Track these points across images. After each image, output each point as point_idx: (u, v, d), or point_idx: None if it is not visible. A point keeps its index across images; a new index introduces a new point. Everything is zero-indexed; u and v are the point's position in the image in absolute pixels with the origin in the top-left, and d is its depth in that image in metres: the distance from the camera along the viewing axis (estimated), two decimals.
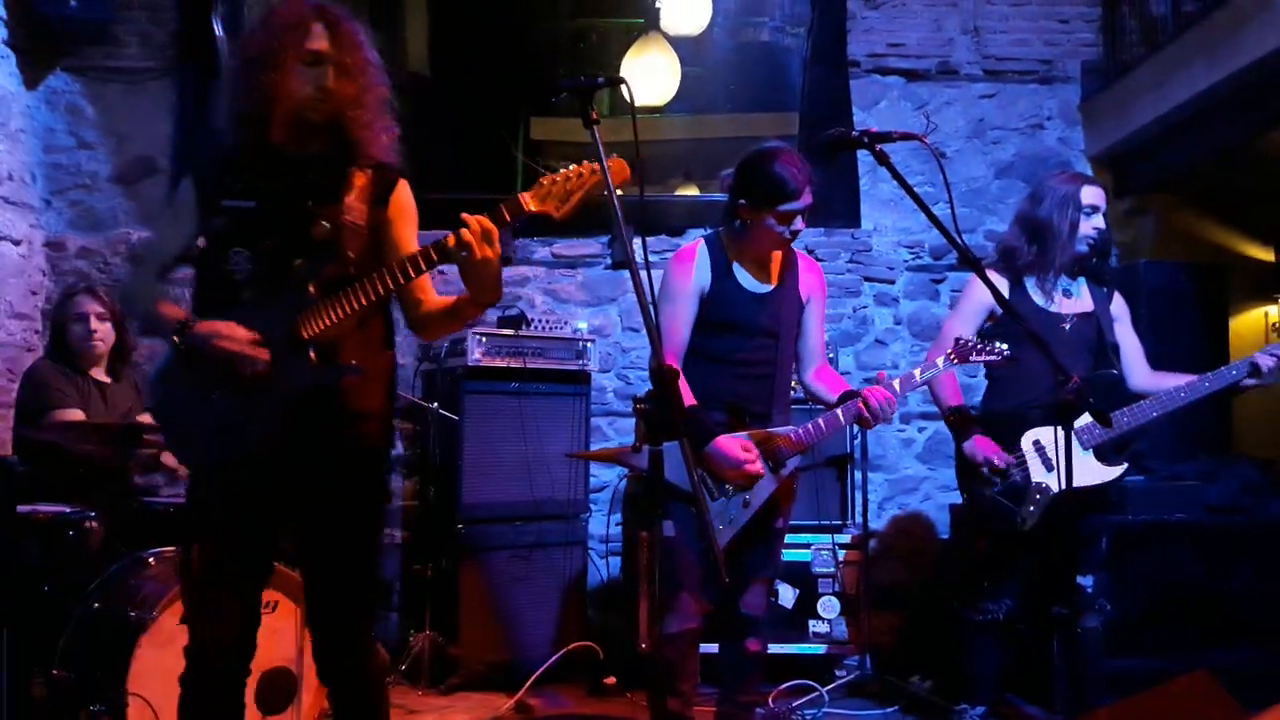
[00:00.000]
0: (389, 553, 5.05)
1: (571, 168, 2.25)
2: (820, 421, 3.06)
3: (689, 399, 2.98)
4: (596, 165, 2.20)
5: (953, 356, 3.08)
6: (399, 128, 2.44)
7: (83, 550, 3.38)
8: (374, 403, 2.41)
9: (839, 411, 3.06)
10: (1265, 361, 3.38)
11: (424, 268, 2.28)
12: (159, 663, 2.99)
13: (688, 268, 3.11)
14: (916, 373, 3.10)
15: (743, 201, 3.07)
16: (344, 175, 2.38)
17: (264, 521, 2.35)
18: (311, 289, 2.28)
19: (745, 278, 3.15)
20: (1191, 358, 3.96)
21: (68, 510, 3.40)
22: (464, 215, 2.21)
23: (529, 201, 2.24)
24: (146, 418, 3.77)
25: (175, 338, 2.25)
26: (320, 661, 2.42)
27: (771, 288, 3.16)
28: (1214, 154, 4.72)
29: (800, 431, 3.06)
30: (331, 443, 2.34)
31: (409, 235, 2.46)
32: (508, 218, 2.23)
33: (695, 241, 3.19)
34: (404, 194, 2.47)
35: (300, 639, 3.42)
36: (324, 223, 2.34)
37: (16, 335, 4.79)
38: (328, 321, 2.27)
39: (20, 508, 3.27)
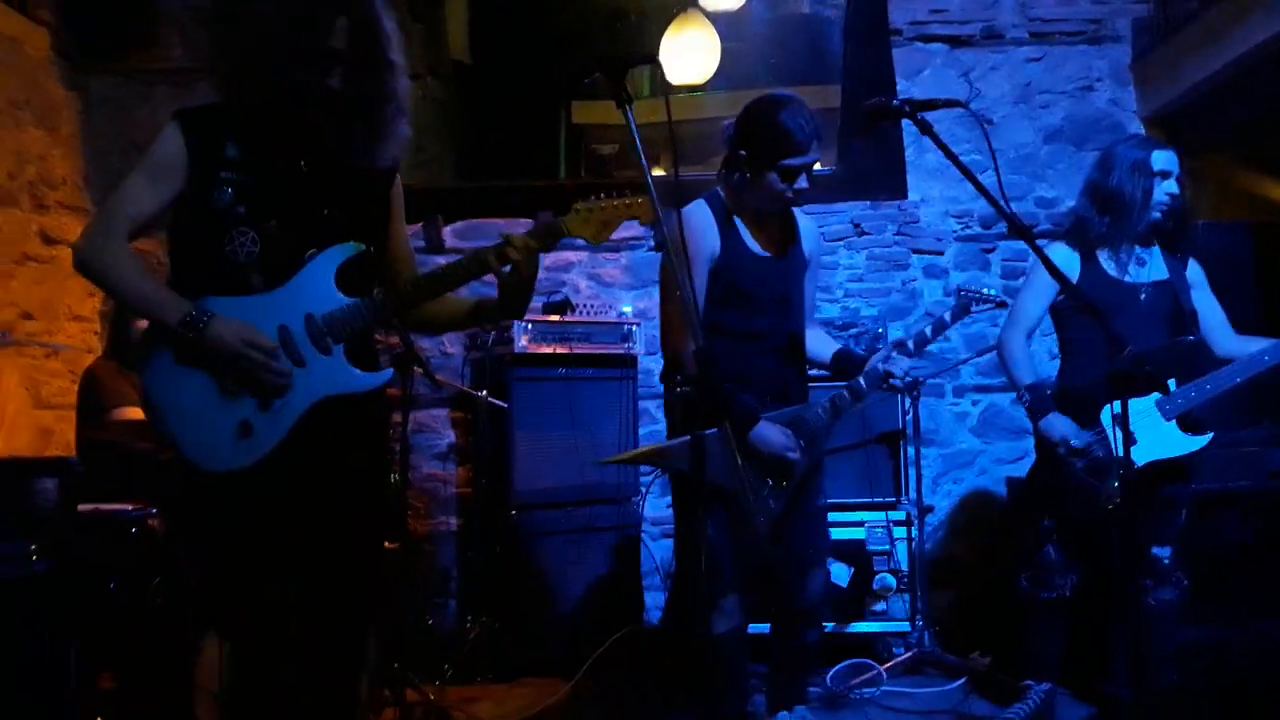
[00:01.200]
0: (445, 540, 5.10)
1: (612, 199, 2.33)
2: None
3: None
4: (636, 199, 2.33)
5: (955, 310, 3.03)
6: (409, 130, 2.34)
7: (146, 547, 3.44)
8: (381, 408, 2.40)
9: (861, 381, 2.98)
10: None
11: (464, 280, 2.29)
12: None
13: (702, 234, 2.91)
14: (927, 330, 3.03)
15: (744, 153, 2.87)
16: (348, 165, 2.32)
17: (289, 528, 2.26)
18: (335, 284, 2.24)
19: (750, 240, 2.96)
20: (1253, 321, 3.85)
21: (129, 508, 3.47)
22: (509, 236, 2.25)
23: (568, 226, 2.31)
24: (135, 412, 3.72)
25: (184, 329, 2.12)
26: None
27: (773, 248, 3.00)
28: (1273, 111, 4.57)
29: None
30: (352, 448, 2.32)
31: (402, 230, 2.45)
32: (548, 245, 2.29)
33: (696, 204, 2.98)
34: (399, 187, 2.45)
35: None
36: (340, 207, 2.28)
37: (76, 337, 4.89)
38: (362, 325, 2.25)
39: (82, 507, 3.35)
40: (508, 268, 2.26)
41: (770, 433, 2.88)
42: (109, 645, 3.24)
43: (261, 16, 2.15)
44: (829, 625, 4.09)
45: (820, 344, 3.18)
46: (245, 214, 2.19)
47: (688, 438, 2.77)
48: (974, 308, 3.02)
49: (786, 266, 3.02)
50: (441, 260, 2.42)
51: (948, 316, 3.03)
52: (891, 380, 2.98)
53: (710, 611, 2.95)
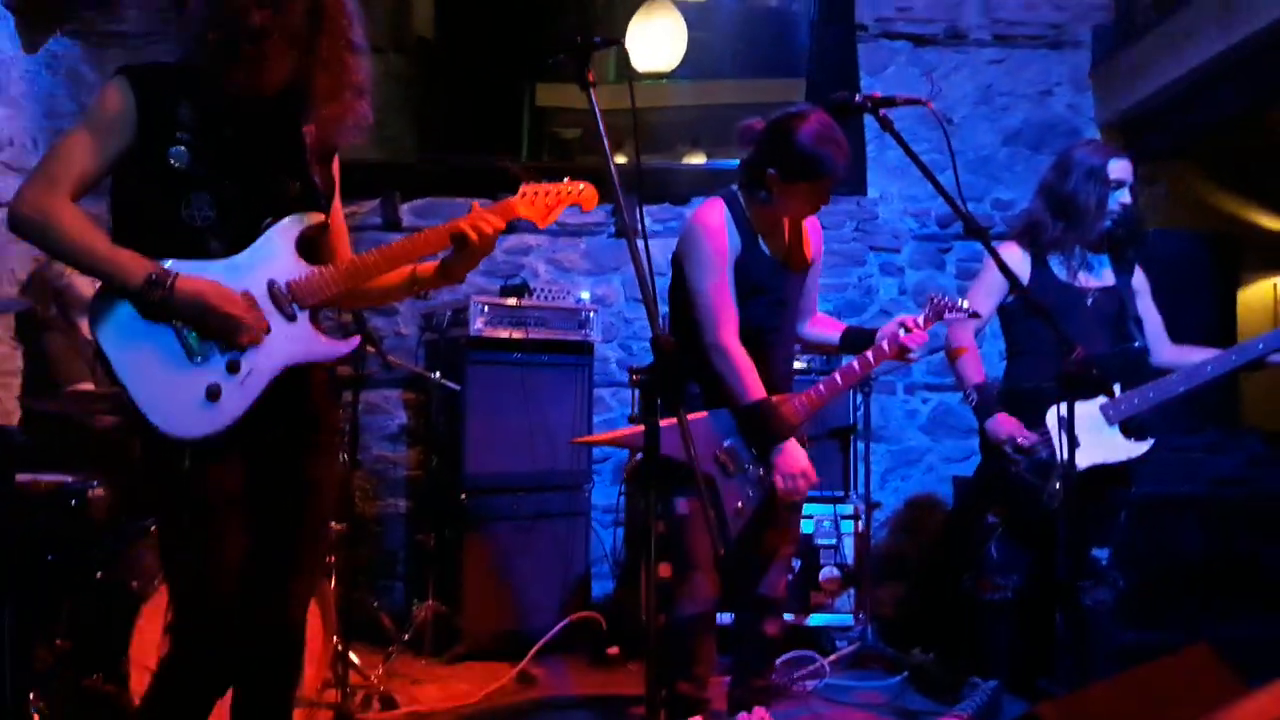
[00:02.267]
0: (394, 522, 5.06)
1: (555, 185, 2.40)
2: (854, 363, 3.00)
3: (759, 389, 2.86)
4: (578, 185, 2.40)
5: (928, 314, 3.04)
6: (371, 111, 2.30)
7: (86, 519, 3.37)
8: (336, 378, 2.39)
9: (884, 345, 2.97)
10: None
11: (434, 250, 2.28)
12: (161, 632, 3.00)
13: (721, 231, 2.94)
14: (900, 332, 3.03)
15: (772, 171, 2.90)
16: (302, 132, 2.28)
17: (256, 490, 2.24)
18: (296, 252, 2.21)
19: (762, 242, 3.03)
20: (1200, 328, 3.94)
21: (69, 479, 3.39)
22: (482, 210, 2.29)
23: (517, 207, 2.37)
24: (87, 385, 3.65)
25: (149, 289, 2.05)
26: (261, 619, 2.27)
27: (783, 257, 3.07)
28: (1226, 121, 4.65)
29: (813, 393, 3.00)
30: (309, 413, 2.31)
31: (339, 204, 2.41)
32: (503, 224, 2.33)
33: (715, 203, 3.00)
34: (336, 162, 2.41)
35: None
36: (294, 178, 2.24)
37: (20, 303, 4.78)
38: (329, 292, 2.22)
39: (21, 477, 3.27)
40: (483, 240, 2.29)
41: (796, 454, 2.89)
42: (46, 618, 3.17)
43: None
44: None
45: (825, 327, 3.23)
46: (203, 176, 2.13)
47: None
48: (946, 315, 3.04)
49: (791, 269, 3.08)
50: (397, 238, 2.38)
51: (920, 320, 3.04)
52: (909, 355, 3.00)
53: (677, 593, 2.96)
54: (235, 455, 2.16)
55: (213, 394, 2.10)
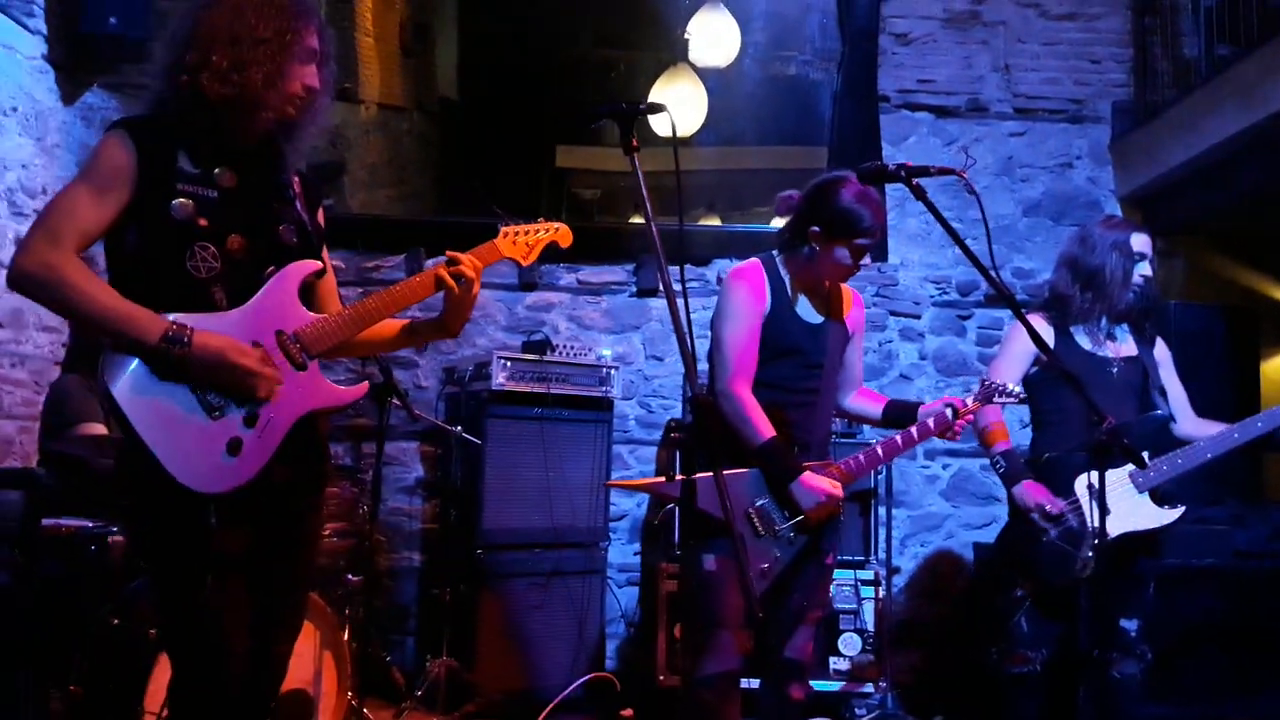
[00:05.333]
0: (407, 576, 5.03)
1: (533, 224, 2.47)
2: (861, 456, 3.03)
3: (768, 429, 2.90)
4: (553, 225, 2.48)
5: (979, 396, 3.06)
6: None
7: (104, 565, 3.36)
8: (325, 422, 2.37)
9: (930, 422, 3.01)
10: None
11: (418, 298, 2.30)
12: None
13: (758, 288, 3.02)
14: (948, 413, 3.06)
15: (815, 229, 2.98)
16: (290, 177, 2.30)
17: (269, 546, 2.21)
18: (298, 299, 2.21)
19: (802, 305, 3.08)
20: (1221, 402, 3.93)
21: (90, 525, 3.39)
22: (454, 254, 2.31)
23: (500, 248, 2.43)
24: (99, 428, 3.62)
25: (168, 345, 2.01)
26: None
27: (824, 319, 3.11)
28: (1245, 197, 4.69)
29: (852, 461, 3.02)
30: (316, 465, 2.31)
31: (325, 253, 2.41)
32: (486, 262, 2.37)
33: (752, 262, 3.09)
34: (321, 212, 2.43)
35: (319, 661, 3.41)
36: (291, 226, 2.25)
37: (45, 348, 4.81)
38: (336, 339, 2.22)
39: (45, 520, 3.27)
40: (463, 285, 2.30)
41: (816, 481, 2.91)
42: (63, 664, 3.15)
43: (225, 29, 2.13)
44: None
45: (869, 402, 3.26)
46: (206, 229, 2.12)
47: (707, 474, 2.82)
48: (996, 398, 3.07)
49: (830, 333, 3.11)
50: None
51: (969, 401, 3.06)
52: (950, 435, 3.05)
53: (702, 650, 2.92)
54: (245, 513, 2.12)
55: (234, 448, 2.07)
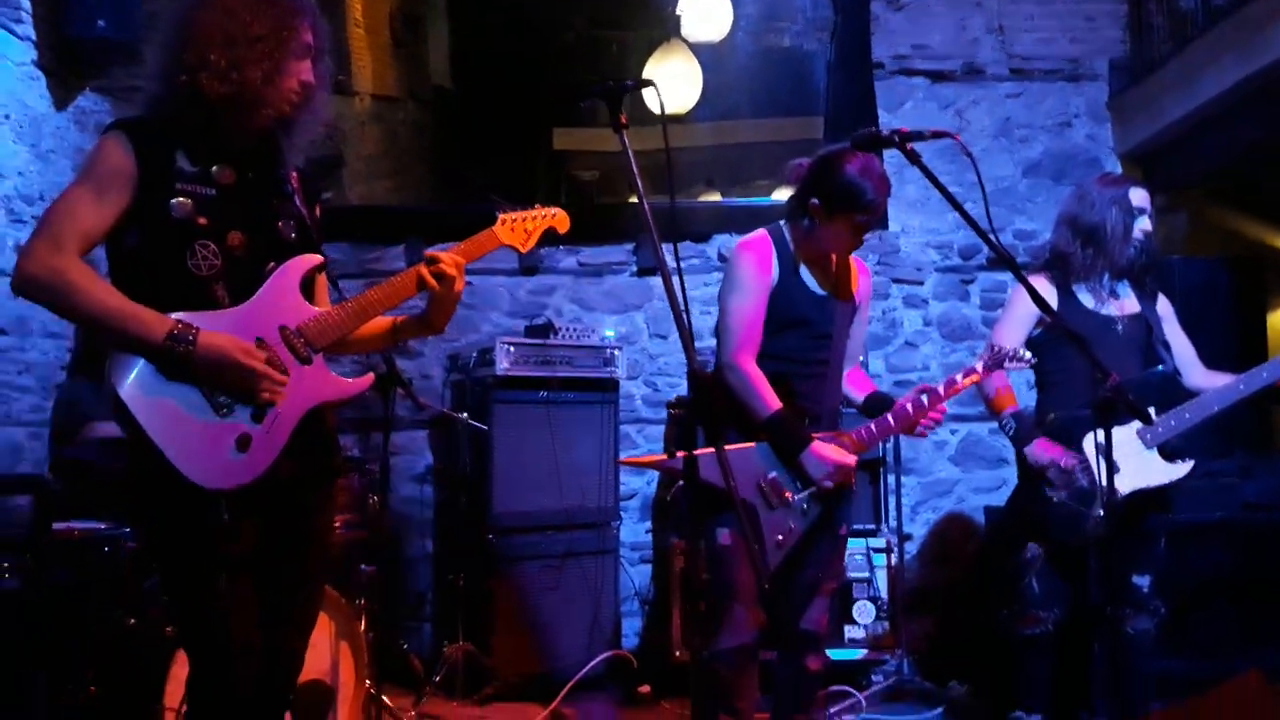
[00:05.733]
0: (421, 563, 5.06)
1: (530, 210, 2.47)
2: (872, 426, 3.01)
3: (775, 401, 2.89)
4: (550, 210, 2.48)
5: (988, 362, 3.04)
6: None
7: (117, 567, 3.38)
8: (337, 417, 2.39)
9: (889, 417, 3.00)
10: None
11: (403, 298, 2.28)
12: None
13: (764, 260, 2.99)
14: (958, 377, 3.04)
15: (815, 201, 2.95)
16: (288, 173, 2.30)
17: (280, 542, 2.22)
18: (300, 294, 2.21)
19: (810, 276, 3.05)
20: (1228, 354, 3.91)
21: (101, 527, 3.41)
22: (433, 253, 2.29)
23: (499, 235, 2.42)
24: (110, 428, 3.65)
25: (172, 344, 2.02)
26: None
27: (830, 290, 3.08)
28: (1246, 149, 4.66)
29: (864, 431, 3.01)
30: (325, 459, 2.31)
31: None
32: (475, 258, 2.36)
33: (759, 234, 3.06)
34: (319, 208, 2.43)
35: (336, 651, 3.43)
36: (290, 221, 2.25)
37: (50, 354, 4.83)
38: (339, 333, 2.22)
39: (55, 525, 3.29)
40: (444, 284, 2.28)
41: (824, 449, 2.90)
42: (79, 665, 3.17)
43: (220, 30, 2.12)
44: None
45: (858, 383, 3.24)
46: (206, 226, 2.12)
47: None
48: (1006, 364, 3.05)
49: (836, 306, 3.09)
50: None
51: (979, 367, 3.05)
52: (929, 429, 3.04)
53: (717, 625, 2.92)
54: (255, 508, 2.13)
55: (243, 444, 2.08)
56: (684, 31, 7.03)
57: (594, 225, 5.24)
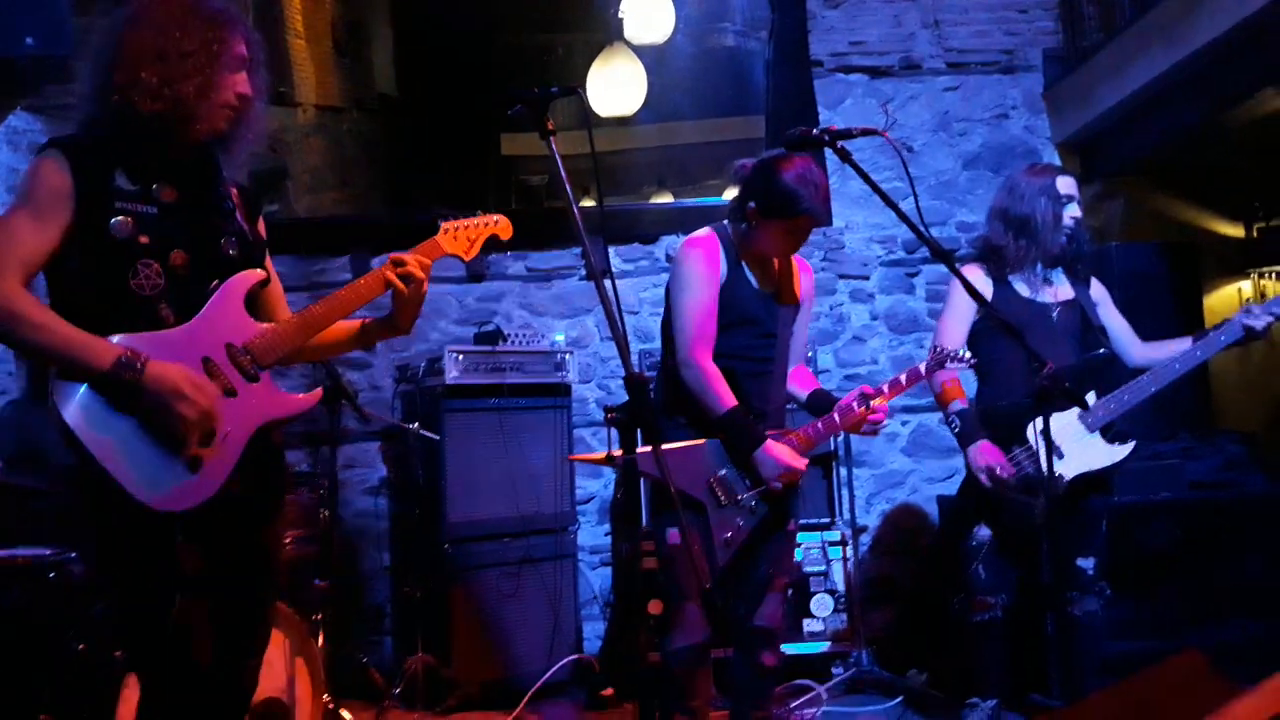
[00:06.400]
0: (378, 576, 5.02)
1: (473, 219, 2.47)
2: (819, 424, 3.04)
3: (730, 399, 2.90)
4: (492, 218, 2.49)
5: (930, 364, 3.09)
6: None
7: (65, 592, 3.33)
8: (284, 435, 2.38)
9: (834, 415, 3.03)
10: (1257, 322, 3.33)
11: (365, 300, 2.30)
12: None
13: (713, 257, 3.00)
14: (901, 377, 3.08)
15: (752, 205, 2.98)
16: (228, 189, 2.29)
17: (230, 561, 2.20)
18: (245, 311, 2.20)
19: (754, 276, 3.08)
20: (1168, 338, 3.98)
21: (47, 552, 3.36)
22: (398, 256, 2.31)
23: (442, 245, 2.42)
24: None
25: (121, 373, 1.98)
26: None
27: (773, 290, 3.11)
28: (1178, 134, 4.75)
29: (810, 429, 3.03)
30: (273, 477, 2.31)
31: (269, 262, 2.40)
32: (429, 260, 2.37)
33: (706, 231, 3.09)
34: (261, 221, 2.42)
35: (291, 668, 3.40)
36: (232, 239, 2.24)
37: None
38: (286, 348, 2.21)
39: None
40: (410, 285, 2.31)
41: (778, 451, 2.92)
42: (29, 692, 3.12)
43: (152, 46, 2.11)
44: None
45: (801, 381, 3.26)
46: (148, 245, 2.09)
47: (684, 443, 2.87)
48: (949, 365, 3.10)
49: (779, 306, 3.12)
50: None
51: (922, 369, 3.08)
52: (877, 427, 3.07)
53: (669, 624, 2.92)
54: (205, 529, 2.10)
55: (193, 465, 2.07)
56: (627, 34, 7.03)
57: (543, 230, 5.23)
